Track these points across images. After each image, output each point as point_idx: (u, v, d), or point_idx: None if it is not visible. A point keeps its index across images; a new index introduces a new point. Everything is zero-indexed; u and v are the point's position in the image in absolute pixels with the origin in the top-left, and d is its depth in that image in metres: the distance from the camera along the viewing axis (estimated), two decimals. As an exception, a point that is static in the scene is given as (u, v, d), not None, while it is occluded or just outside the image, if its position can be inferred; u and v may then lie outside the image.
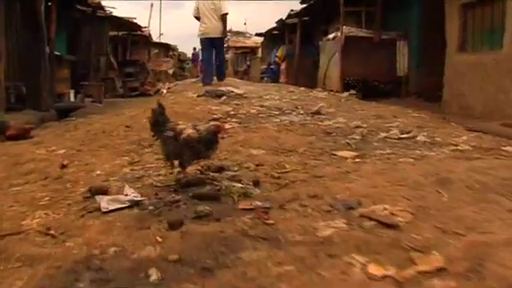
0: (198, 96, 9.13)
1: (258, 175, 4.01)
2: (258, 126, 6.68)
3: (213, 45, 11.58)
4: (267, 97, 9.82)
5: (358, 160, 4.71)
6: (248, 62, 31.63)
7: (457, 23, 11.17)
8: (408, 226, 2.75)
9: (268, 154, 4.90)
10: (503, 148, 5.31)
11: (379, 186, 3.58)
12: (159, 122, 3.84)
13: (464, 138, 5.88)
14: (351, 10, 13.70)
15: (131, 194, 3.38)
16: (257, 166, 4.38)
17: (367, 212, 2.95)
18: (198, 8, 11.38)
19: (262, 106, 8.60)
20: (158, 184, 3.78)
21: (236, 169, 4.23)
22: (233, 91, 9.44)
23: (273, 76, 19.54)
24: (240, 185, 3.63)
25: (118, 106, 12.10)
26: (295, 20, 18.45)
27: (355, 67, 12.78)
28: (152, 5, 26.86)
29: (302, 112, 8.32)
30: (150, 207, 3.20)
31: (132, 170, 4.33)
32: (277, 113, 8.10)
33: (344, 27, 12.99)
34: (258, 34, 28.03)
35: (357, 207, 3.10)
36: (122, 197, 3.34)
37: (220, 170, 4.06)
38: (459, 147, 5.22)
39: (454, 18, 11.25)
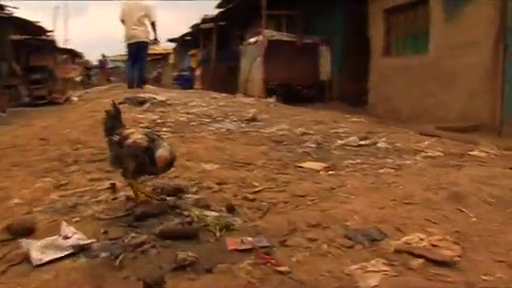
0: (120, 103, 8.05)
1: (226, 197, 3.20)
2: (194, 136, 5.85)
3: (137, 49, 10.89)
4: (193, 103, 8.97)
5: (331, 172, 4.07)
6: (159, 69, 30.29)
7: (381, 28, 11.12)
8: (465, 263, 2.12)
9: (224, 169, 4.10)
10: (471, 153, 4.97)
11: (385, 206, 2.96)
12: (114, 126, 3.08)
13: (426, 143, 5.50)
14: (272, 13, 13.26)
15: (71, 233, 2.41)
16: (219, 184, 3.56)
17: (402, 246, 2.29)
18: (123, 10, 10.75)
19: (189, 114, 7.80)
20: (103, 216, 2.83)
21: (195, 189, 3.37)
22: (155, 98, 8.47)
23: (186, 83, 18.56)
24: (214, 213, 2.80)
25: (26, 116, 10.64)
26: (211, 25, 17.65)
27: (278, 72, 12.32)
28: (57, 7, 24.68)
29: (235, 119, 7.62)
30: (104, 254, 2.27)
31: (61, 196, 3.31)
32: (208, 120, 7.34)
33: (266, 31, 12.50)
34: (170, 40, 26.84)
35: (382, 238, 2.44)
36: (59, 240, 2.36)
37: (177, 191, 3.19)
38: (429, 154, 4.79)
39: (378, 22, 11.18)
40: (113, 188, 3.40)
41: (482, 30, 8.62)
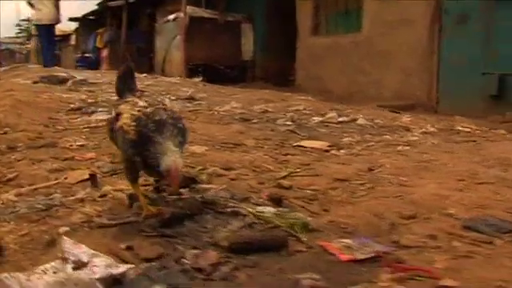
0: (34, 82, 6.79)
1: (254, 186, 2.46)
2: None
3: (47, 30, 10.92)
4: (119, 82, 7.90)
5: (343, 151, 3.47)
6: (57, 51, 27.45)
7: (309, 6, 10.72)
8: None
9: (215, 151, 3.33)
10: (459, 128, 4.66)
11: (463, 188, 2.41)
12: (121, 91, 2.27)
13: (405, 119, 5.09)
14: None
15: (87, 255, 1.51)
16: (226, 170, 2.78)
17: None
18: None
19: None
20: (104, 221, 1.94)
21: (204, 177, 2.56)
22: (75, 76, 7.30)
23: (91, 65, 16.77)
24: (270, 208, 2.03)
25: None
26: (120, 2, 16.00)
27: (199, 51, 11.41)
28: None
29: (173, 98, 6.83)
30: None
31: (18, 194, 2.34)
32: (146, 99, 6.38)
33: (188, 7, 11.49)
34: (71, 19, 24.09)
35: (512, 228, 1.83)
36: (67, 269, 1.46)
37: (188, 181, 2.36)
38: (424, 130, 4.37)
39: (305, 1, 10.76)
40: (93, 180, 2.47)
41: (419, 10, 8.51)
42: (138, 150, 1.89)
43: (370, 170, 2.82)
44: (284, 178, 2.66)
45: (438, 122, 4.93)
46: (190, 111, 5.54)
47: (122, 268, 1.46)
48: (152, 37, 13.89)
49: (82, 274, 1.41)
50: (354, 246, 1.67)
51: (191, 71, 11.20)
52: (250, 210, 1.97)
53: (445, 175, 2.60)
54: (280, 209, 2.06)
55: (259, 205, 2.11)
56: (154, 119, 1.91)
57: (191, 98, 6.76)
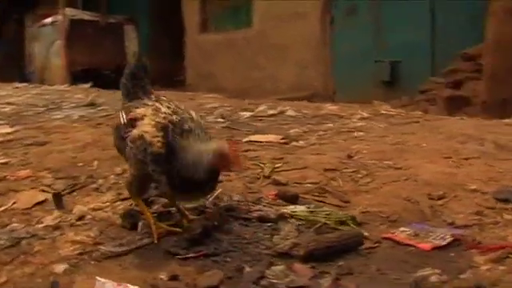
0: None
1: (257, 186, 2.23)
2: (53, 126, 4.38)
3: None
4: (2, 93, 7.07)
5: (302, 143, 3.32)
6: None
7: (195, 2, 10.47)
8: None
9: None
10: (384, 112, 4.80)
11: (459, 165, 2.40)
12: (132, 92, 1.88)
13: (330, 107, 5.12)
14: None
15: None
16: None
17: None
18: None
19: (11, 104, 6.10)
20: (112, 249, 1.57)
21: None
22: None
23: None
24: (300, 207, 1.82)
25: None
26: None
27: (82, 56, 10.49)
28: None
29: (73, 105, 6.25)
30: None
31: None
32: (43, 109, 5.85)
33: (67, 9, 10.48)
34: None
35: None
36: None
37: None
38: (363, 116, 4.41)
39: (191, 0, 10.51)
40: (57, 200, 2.04)
41: (309, 2, 8.72)
42: (163, 166, 1.55)
43: (350, 157, 2.71)
44: (271, 173, 2.43)
45: (362, 109, 5.01)
46: (100, 117, 5.02)
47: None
48: (22, 43, 12.56)
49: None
50: (420, 233, 1.53)
51: (74, 78, 10.31)
52: (287, 210, 1.72)
53: (428, 154, 2.58)
54: (305, 206, 1.84)
55: (277, 205, 1.88)
56: (182, 128, 1.61)
57: (92, 104, 6.18)
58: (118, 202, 2.05)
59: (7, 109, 5.55)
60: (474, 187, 1.98)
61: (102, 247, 1.57)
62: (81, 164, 2.79)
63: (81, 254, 1.58)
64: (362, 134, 3.47)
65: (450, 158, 2.50)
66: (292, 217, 1.69)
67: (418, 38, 7.51)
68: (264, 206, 1.82)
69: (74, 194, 2.25)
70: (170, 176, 1.55)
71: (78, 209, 1.98)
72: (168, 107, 1.73)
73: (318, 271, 1.29)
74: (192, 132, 1.62)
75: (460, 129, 3.15)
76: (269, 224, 1.66)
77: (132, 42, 11.63)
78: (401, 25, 7.63)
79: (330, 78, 8.84)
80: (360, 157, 2.71)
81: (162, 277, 1.34)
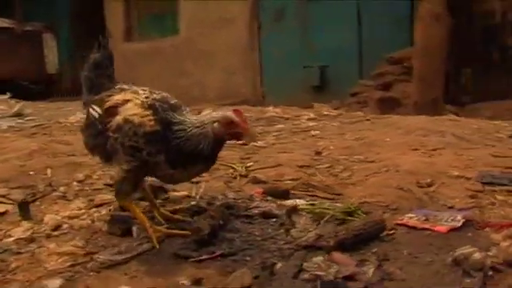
0: None
1: (238, 185, 2.16)
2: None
3: None
4: None
5: (261, 143, 3.25)
6: None
7: (119, 10, 10.14)
8: None
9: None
10: (330, 113, 4.90)
11: (431, 155, 2.46)
12: (98, 84, 1.73)
13: (273, 110, 5.12)
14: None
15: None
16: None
17: None
18: None
19: None
20: (111, 257, 1.42)
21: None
22: None
23: None
24: (300, 201, 1.76)
25: None
26: None
27: (-4, 65, 9.75)
28: None
29: None
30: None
31: None
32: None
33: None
34: None
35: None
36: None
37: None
38: (308, 117, 4.45)
39: (115, 5, 10.16)
40: (25, 210, 1.83)
41: (237, 8, 8.73)
42: (159, 145, 1.43)
43: (318, 153, 2.70)
44: (246, 173, 2.36)
45: (306, 111, 5.07)
46: (32, 127, 4.67)
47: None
48: None
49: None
50: (429, 218, 1.53)
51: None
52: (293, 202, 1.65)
53: (396, 148, 2.63)
54: (304, 201, 1.79)
55: (273, 201, 1.81)
56: (170, 103, 1.53)
57: (20, 115, 5.75)
58: (94, 209, 1.87)
59: None
60: (456, 173, 2.03)
61: (98, 256, 1.40)
62: (32, 172, 2.54)
63: (73, 265, 1.40)
64: (318, 132, 3.49)
65: (418, 149, 2.57)
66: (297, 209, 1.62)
67: (345, 42, 7.74)
68: (260, 202, 1.74)
69: (37, 203, 2.03)
70: (170, 153, 1.43)
71: (50, 218, 1.78)
72: (143, 90, 1.61)
73: (357, 259, 1.23)
74: (182, 107, 1.54)
75: (415, 124, 3.26)
76: (274, 219, 1.58)
77: (51, 51, 11.00)
78: (328, 30, 7.81)
79: (258, 83, 8.88)
80: (329, 153, 2.70)
81: (184, 282, 1.22)
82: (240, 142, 2.24)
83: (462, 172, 2.05)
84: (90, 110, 1.61)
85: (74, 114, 5.34)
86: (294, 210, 1.57)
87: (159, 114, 1.47)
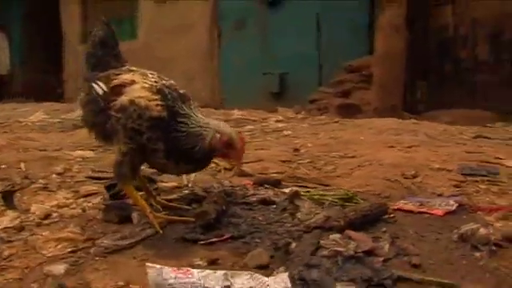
0: None
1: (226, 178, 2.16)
2: None
3: None
4: None
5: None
6: None
7: (75, 13, 9.92)
8: None
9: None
10: (293, 116, 4.99)
11: (409, 151, 2.56)
12: (103, 62, 1.65)
13: (237, 113, 5.17)
14: None
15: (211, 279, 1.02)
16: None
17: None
18: None
19: None
20: (124, 238, 1.40)
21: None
22: None
23: None
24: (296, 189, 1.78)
25: None
26: None
27: None
28: None
29: None
30: None
31: None
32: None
33: None
34: None
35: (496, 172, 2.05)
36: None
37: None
38: (276, 119, 4.53)
39: (71, 8, 9.93)
40: (8, 199, 1.76)
41: (196, 15, 8.72)
42: (162, 131, 1.41)
43: (297, 150, 2.74)
44: (230, 166, 2.35)
45: (273, 114, 5.13)
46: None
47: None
48: None
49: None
50: (423, 203, 1.60)
51: None
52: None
53: (372, 145, 2.71)
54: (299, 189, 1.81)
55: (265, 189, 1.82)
56: (179, 93, 1.52)
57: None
58: (82, 199, 1.82)
59: None
60: (437, 166, 2.12)
61: (102, 241, 1.36)
62: (4, 166, 2.45)
63: (74, 251, 1.36)
64: (290, 132, 3.54)
65: (395, 146, 2.66)
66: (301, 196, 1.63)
67: (304, 50, 7.86)
68: (257, 190, 1.75)
69: (18, 194, 1.95)
70: (167, 143, 1.42)
71: (38, 207, 1.71)
72: (152, 74, 1.60)
73: (371, 236, 1.27)
74: (190, 100, 1.53)
75: (385, 125, 3.36)
76: (273, 206, 1.59)
77: (3, 52, 10.60)
78: (288, 37, 7.92)
79: (217, 89, 8.88)
80: (307, 150, 2.74)
81: (199, 263, 1.20)
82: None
83: (443, 165, 2.14)
84: (94, 85, 1.56)
85: (33, 114, 5.18)
86: (296, 195, 1.59)
87: (168, 100, 1.45)
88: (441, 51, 6.94)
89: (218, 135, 1.43)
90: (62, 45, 10.18)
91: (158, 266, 1.04)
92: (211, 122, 1.47)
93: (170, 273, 1.01)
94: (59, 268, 1.26)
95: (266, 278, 1.02)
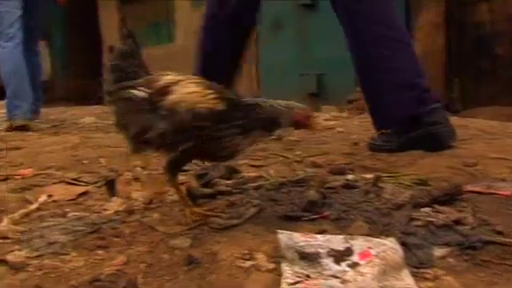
0: None
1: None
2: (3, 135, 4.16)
3: None
4: None
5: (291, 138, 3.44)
6: None
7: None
8: None
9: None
10: (343, 115, 5.11)
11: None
12: (130, 73, 1.68)
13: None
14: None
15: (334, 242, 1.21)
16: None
17: None
18: None
19: None
20: (233, 218, 1.60)
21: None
22: None
23: None
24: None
25: None
26: None
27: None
28: None
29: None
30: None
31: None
32: None
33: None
34: None
35: None
36: None
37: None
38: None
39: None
40: (111, 187, 1.98)
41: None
42: (226, 122, 1.47)
43: (356, 144, 2.92)
44: (300, 158, 2.55)
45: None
46: (49, 127, 4.75)
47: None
48: None
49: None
50: (490, 186, 1.75)
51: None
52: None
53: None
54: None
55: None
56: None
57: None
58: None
59: None
60: (495, 156, 2.26)
61: (215, 219, 1.56)
62: (86, 161, 2.68)
63: (190, 229, 1.55)
64: (343, 129, 3.69)
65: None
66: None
67: (342, 50, 7.96)
68: (336, 176, 1.93)
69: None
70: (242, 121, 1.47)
71: (139, 195, 1.93)
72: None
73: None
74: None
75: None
76: (356, 189, 1.76)
77: (43, 58, 11.01)
78: (325, 38, 8.03)
79: (256, 91, 9.07)
80: (365, 144, 2.90)
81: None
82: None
83: (500, 155, 2.28)
84: (134, 92, 1.58)
85: (82, 117, 5.45)
86: (379, 178, 1.76)
87: (223, 93, 1.51)
88: (477, 48, 6.98)
89: (298, 111, 1.56)
90: (101, 50, 10.54)
91: (288, 232, 1.23)
92: (278, 102, 1.56)
93: (299, 237, 1.19)
94: (184, 241, 1.46)
95: (378, 239, 1.20)
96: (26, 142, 3.47)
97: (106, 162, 2.66)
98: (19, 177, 2.42)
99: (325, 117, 4.66)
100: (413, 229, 1.32)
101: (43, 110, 7.35)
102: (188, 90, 1.53)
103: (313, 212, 1.54)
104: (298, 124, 1.63)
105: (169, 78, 1.61)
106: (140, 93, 1.58)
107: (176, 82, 1.56)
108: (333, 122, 4.13)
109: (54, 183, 2.26)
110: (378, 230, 1.37)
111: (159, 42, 9.99)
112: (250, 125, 1.49)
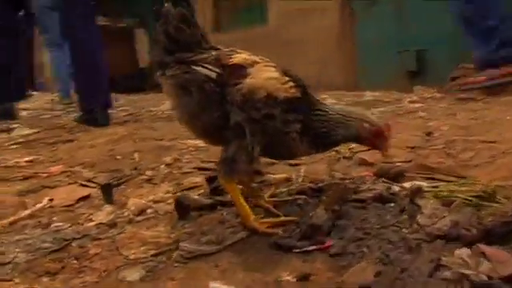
0: None
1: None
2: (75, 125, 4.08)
3: None
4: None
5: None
6: None
7: (208, 3, 10.26)
8: None
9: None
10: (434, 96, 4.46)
11: None
12: (191, 44, 1.34)
13: (370, 94, 4.77)
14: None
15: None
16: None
17: None
18: None
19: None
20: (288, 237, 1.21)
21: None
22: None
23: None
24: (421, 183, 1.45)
25: None
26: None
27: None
28: None
29: None
30: None
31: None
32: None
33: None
34: None
35: None
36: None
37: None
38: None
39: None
40: (107, 192, 1.69)
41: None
42: (299, 114, 1.27)
43: (429, 133, 2.37)
44: (350, 154, 2.08)
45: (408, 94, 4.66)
46: (125, 116, 4.69)
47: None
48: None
49: None
50: None
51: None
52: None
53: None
54: (426, 183, 1.47)
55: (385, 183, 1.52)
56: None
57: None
58: (179, 193, 1.69)
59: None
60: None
61: (185, 245, 1.20)
62: (119, 157, 2.46)
63: (155, 255, 1.21)
64: (425, 114, 3.10)
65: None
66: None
67: (444, 25, 7.13)
68: (372, 184, 1.45)
69: (122, 187, 1.90)
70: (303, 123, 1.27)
71: (134, 202, 1.62)
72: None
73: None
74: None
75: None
76: (391, 204, 1.28)
77: (143, 46, 11.38)
78: (424, 12, 7.26)
79: (351, 70, 8.49)
80: (441, 134, 2.34)
81: (288, 278, 0.97)
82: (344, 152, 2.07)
83: None
84: (200, 68, 1.28)
85: (164, 103, 5.35)
86: (419, 191, 1.26)
87: (299, 81, 1.31)
88: None
89: (367, 125, 1.28)
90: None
91: (217, 286, 0.84)
92: (353, 112, 1.33)
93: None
94: (134, 274, 1.13)
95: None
96: (83, 134, 3.36)
97: (140, 158, 2.42)
98: (45, 175, 2.27)
99: (412, 99, 4.03)
100: (436, 283, 0.83)
101: (133, 97, 7.51)
102: (267, 74, 1.28)
103: (312, 240, 1.10)
104: (364, 141, 1.33)
105: (243, 56, 1.32)
106: (210, 72, 1.28)
107: (251, 64, 1.30)
108: (417, 105, 3.53)
109: (70, 183, 2.06)
110: (386, 278, 0.91)
111: (252, 25, 9.78)
112: (309, 124, 1.28)
